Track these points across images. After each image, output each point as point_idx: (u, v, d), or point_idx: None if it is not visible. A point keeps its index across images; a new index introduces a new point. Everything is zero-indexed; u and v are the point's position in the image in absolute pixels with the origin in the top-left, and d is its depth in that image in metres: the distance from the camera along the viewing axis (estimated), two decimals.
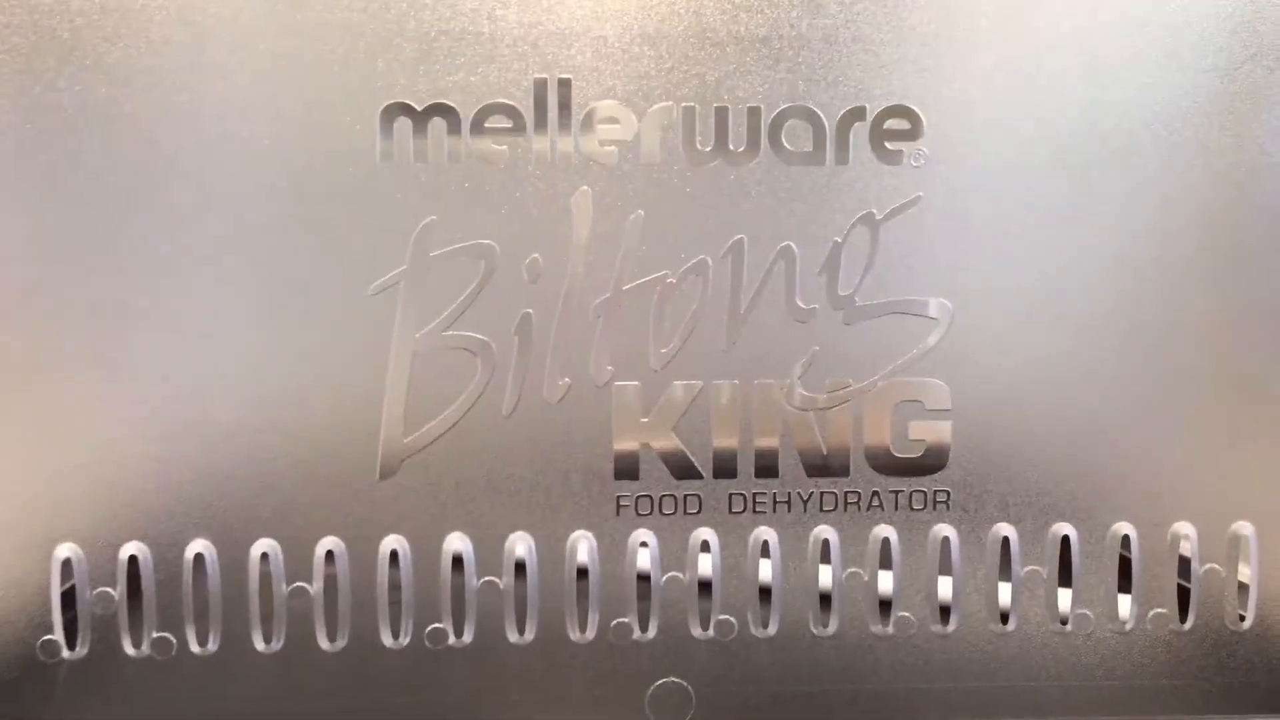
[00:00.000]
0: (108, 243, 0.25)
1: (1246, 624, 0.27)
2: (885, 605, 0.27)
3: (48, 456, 0.25)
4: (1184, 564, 0.27)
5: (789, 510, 0.27)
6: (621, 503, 0.26)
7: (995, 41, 0.26)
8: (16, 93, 0.24)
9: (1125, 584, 0.27)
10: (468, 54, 0.25)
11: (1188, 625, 0.27)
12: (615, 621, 0.26)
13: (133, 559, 0.25)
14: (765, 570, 0.27)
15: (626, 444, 0.26)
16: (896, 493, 0.27)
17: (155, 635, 0.26)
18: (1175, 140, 0.26)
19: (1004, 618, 0.27)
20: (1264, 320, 0.27)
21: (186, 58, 0.25)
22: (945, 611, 0.27)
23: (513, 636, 0.26)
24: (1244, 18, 0.26)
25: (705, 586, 0.26)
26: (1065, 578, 0.27)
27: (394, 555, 0.26)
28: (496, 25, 0.25)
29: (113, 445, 0.25)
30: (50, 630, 0.25)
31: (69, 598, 0.25)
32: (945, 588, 0.27)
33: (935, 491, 0.27)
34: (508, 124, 0.25)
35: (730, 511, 0.26)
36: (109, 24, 0.25)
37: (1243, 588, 0.27)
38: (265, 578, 0.26)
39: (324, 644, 0.26)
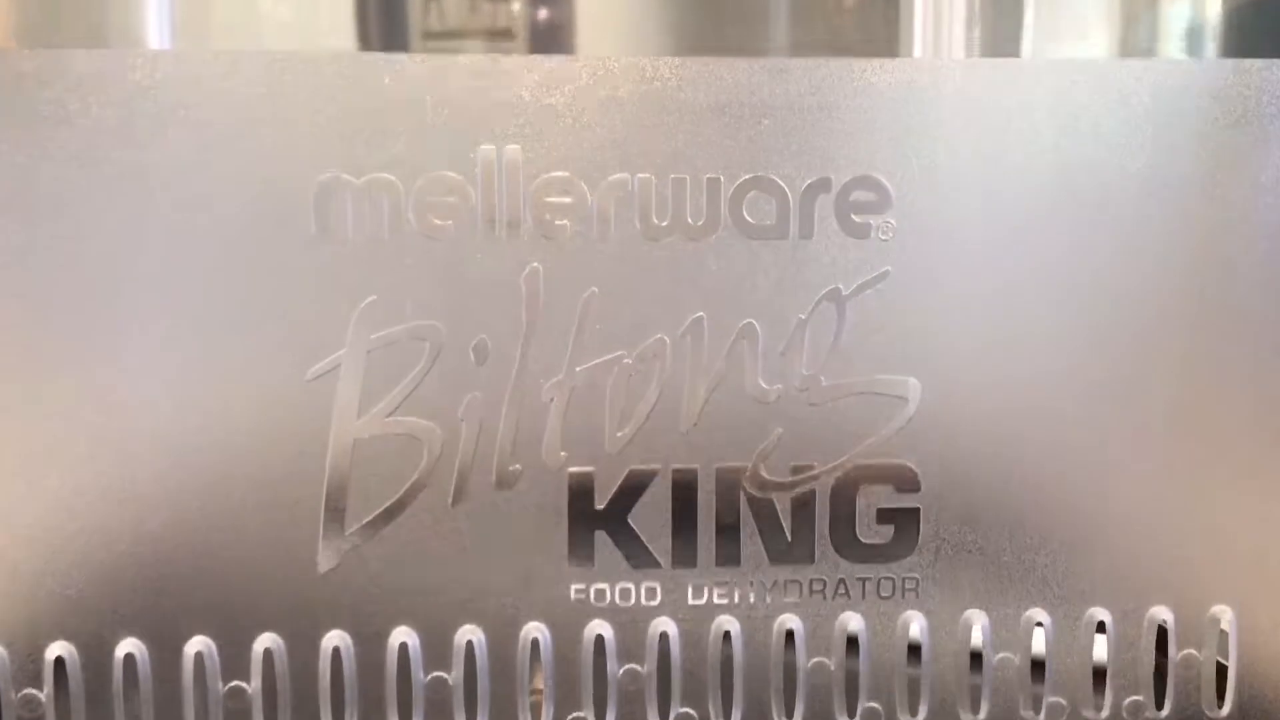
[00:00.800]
0: (31, 326, 0.24)
1: (1225, 710, 0.26)
2: (852, 695, 0.26)
3: None
4: (1161, 649, 0.26)
5: (751, 599, 0.25)
6: (576, 593, 0.25)
7: (966, 108, 0.25)
8: None
9: (1100, 670, 0.26)
10: (410, 124, 0.24)
11: (1165, 712, 0.26)
12: (571, 716, 0.25)
13: (59, 660, 0.24)
14: (727, 661, 0.25)
15: (581, 532, 0.25)
16: (864, 579, 0.25)
17: None
18: (1154, 209, 0.25)
19: (975, 706, 0.26)
20: (1242, 399, 0.26)
21: (114, 131, 0.23)
22: (915, 701, 0.26)
23: None
24: (1227, 83, 0.25)
25: (665, 678, 0.25)
26: (1038, 664, 0.26)
27: (336, 652, 0.25)
28: (441, 94, 0.24)
29: (36, 538, 0.24)
30: None
31: None
32: (914, 677, 0.26)
33: (904, 578, 0.26)
34: (452, 198, 0.24)
35: (690, 601, 0.25)
36: (29, 96, 0.23)
37: (1221, 673, 0.26)
38: (200, 677, 0.24)
39: None
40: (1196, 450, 0.26)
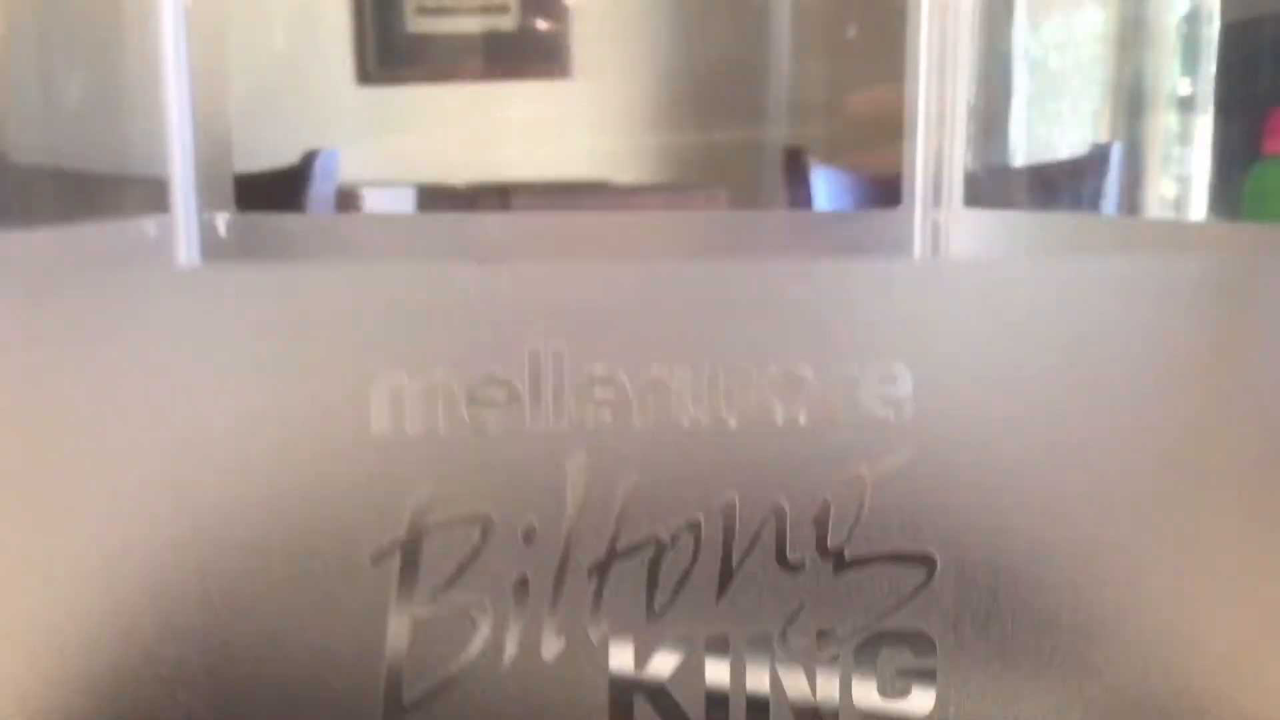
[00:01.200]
0: (85, 511, 0.25)
1: None
2: None
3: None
4: None
5: None
6: None
7: (980, 303, 0.26)
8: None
9: None
10: (463, 327, 0.26)
11: None
12: None
13: None
14: None
15: (621, 699, 0.27)
16: None
17: None
18: (1164, 396, 0.27)
19: None
20: (1255, 565, 0.28)
21: (170, 326, 0.25)
22: None
23: None
24: (1233, 279, 0.27)
25: None
26: None
27: None
28: (492, 298, 0.26)
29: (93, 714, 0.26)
30: None
31: None
32: None
33: None
34: (502, 394, 0.26)
35: None
36: (87, 301, 0.25)
37: None
38: None
39: None
40: (1209, 611, 0.28)
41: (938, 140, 0.58)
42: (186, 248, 0.55)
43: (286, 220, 0.58)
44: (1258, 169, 0.77)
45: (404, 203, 2.03)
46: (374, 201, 1.85)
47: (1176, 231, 0.36)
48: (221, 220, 0.58)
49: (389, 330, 0.25)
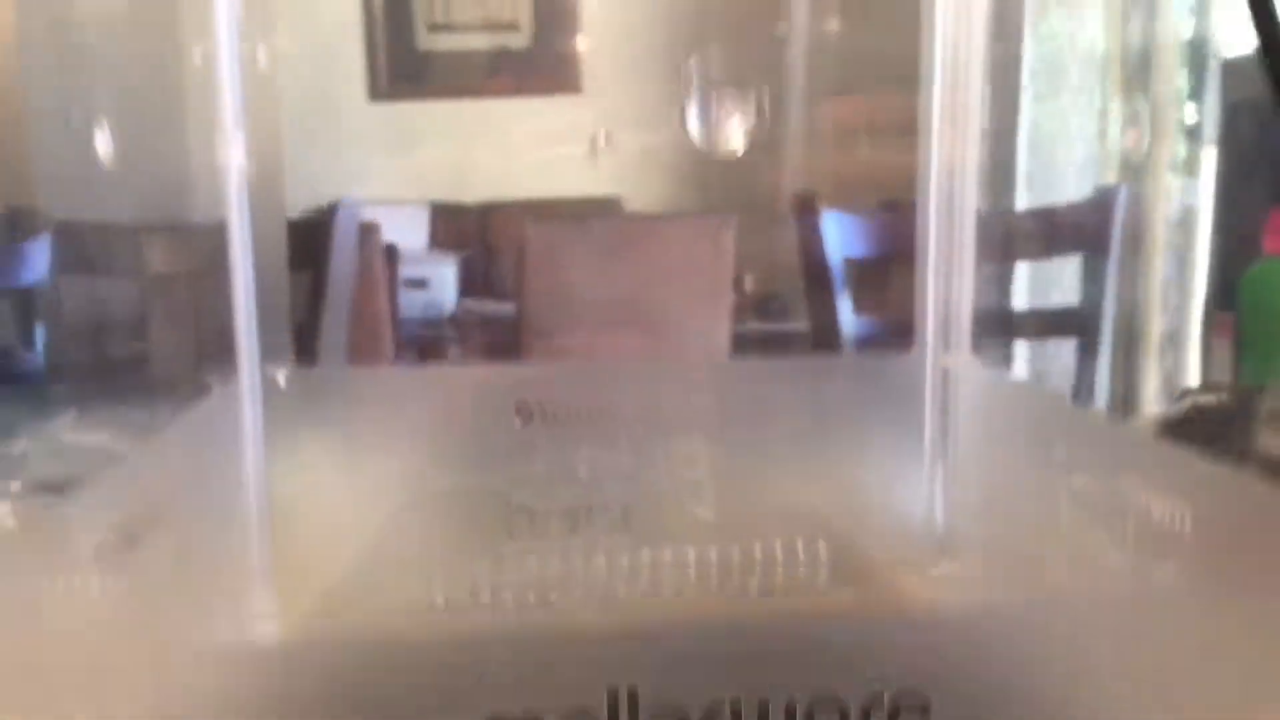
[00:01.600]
0: None
1: None
2: None
3: None
4: None
5: None
6: None
7: (991, 637, 0.31)
8: None
9: None
10: (543, 656, 0.30)
11: None
12: None
13: None
14: None
15: None
16: None
17: None
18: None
19: None
20: None
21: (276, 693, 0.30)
22: None
23: None
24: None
25: None
26: None
27: None
28: (573, 628, 0.30)
29: None
30: None
31: None
32: None
33: None
34: None
35: None
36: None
37: None
38: None
39: None
40: None
41: (946, 285, 0.62)
42: (251, 410, 0.59)
43: (343, 373, 0.63)
44: (1257, 268, 0.79)
45: (417, 221, 2.06)
46: (386, 220, 1.88)
47: (1162, 460, 0.40)
48: (281, 375, 0.62)
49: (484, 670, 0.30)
